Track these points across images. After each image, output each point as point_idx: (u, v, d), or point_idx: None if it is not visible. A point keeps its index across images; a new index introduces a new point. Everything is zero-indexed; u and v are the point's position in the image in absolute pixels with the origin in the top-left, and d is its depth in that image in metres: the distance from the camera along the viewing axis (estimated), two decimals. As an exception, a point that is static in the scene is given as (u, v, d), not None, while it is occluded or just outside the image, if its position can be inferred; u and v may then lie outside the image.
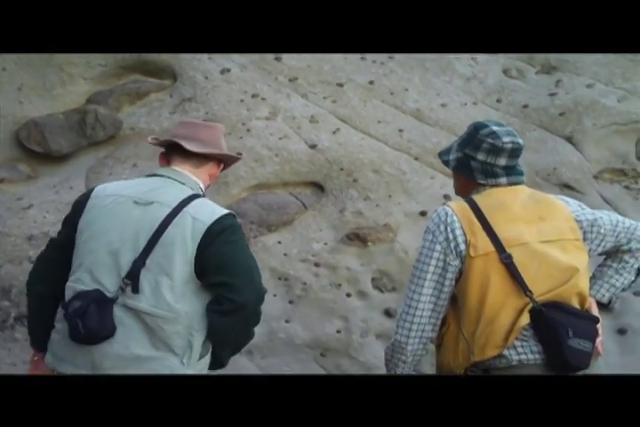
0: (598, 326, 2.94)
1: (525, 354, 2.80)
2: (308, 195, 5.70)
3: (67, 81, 6.36)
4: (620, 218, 3.18)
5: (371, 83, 6.40)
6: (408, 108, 6.29)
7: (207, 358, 2.92)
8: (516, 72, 6.67)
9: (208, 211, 2.91)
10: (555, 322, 2.72)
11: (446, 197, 5.54)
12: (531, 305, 2.76)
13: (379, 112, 6.20)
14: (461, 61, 6.65)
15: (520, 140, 3.02)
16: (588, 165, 6.00)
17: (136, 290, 2.76)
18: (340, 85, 6.35)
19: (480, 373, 2.87)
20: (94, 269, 2.85)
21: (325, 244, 5.36)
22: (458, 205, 2.96)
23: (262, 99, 6.16)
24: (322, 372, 4.98)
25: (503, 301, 2.77)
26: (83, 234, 2.97)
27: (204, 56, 6.43)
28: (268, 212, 5.48)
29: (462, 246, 2.84)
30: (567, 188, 5.81)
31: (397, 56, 6.59)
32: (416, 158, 5.89)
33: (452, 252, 2.85)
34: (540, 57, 6.69)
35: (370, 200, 5.58)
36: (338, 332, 5.02)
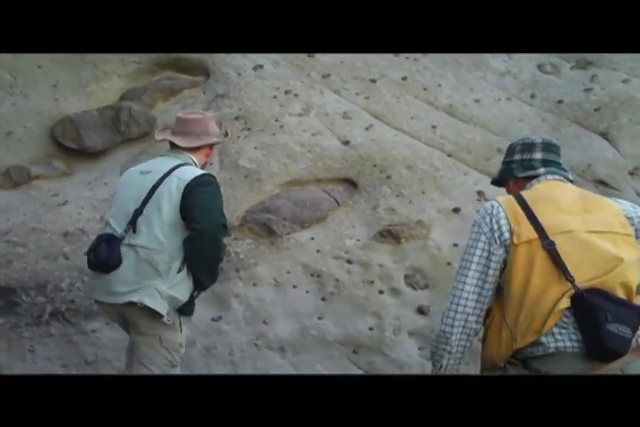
0: None
1: (563, 342, 2.76)
2: (340, 191, 5.69)
3: (101, 78, 6.42)
4: None
5: (404, 79, 6.38)
6: (441, 104, 6.26)
7: (184, 273, 3.73)
8: (551, 67, 6.60)
9: (190, 172, 3.83)
10: (594, 306, 2.69)
11: (480, 193, 5.51)
12: (572, 291, 2.73)
13: (412, 108, 6.18)
14: (495, 57, 6.60)
15: (553, 140, 3.19)
16: (624, 162, 5.92)
17: (134, 230, 3.73)
18: (373, 81, 6.34)
19: (519, 364, 2.87)
20: (112, 222, 3.88)
21: (358, 240, 5.36)
22: (504, 199, 3.01)
23: (295, 95, 6.17)
24: (354, 369, 4.99)
25: (545, 286, 2.77)
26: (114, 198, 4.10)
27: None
28: (300, 208, 5.48)
29: (506, 235, 2.87)
30: (602, 184, 5.74)
31: (430, 51, 6.57)
32: (449, 155, 5.85)
33: (495, 241, 2.88)
34: (575, 52, 6.62)
35: (403, 197, 5.57)
36: (370, 329, 5.02)
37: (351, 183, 5.77)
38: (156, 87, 6.42)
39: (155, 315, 3.68)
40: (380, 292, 5.14)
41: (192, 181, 3.75)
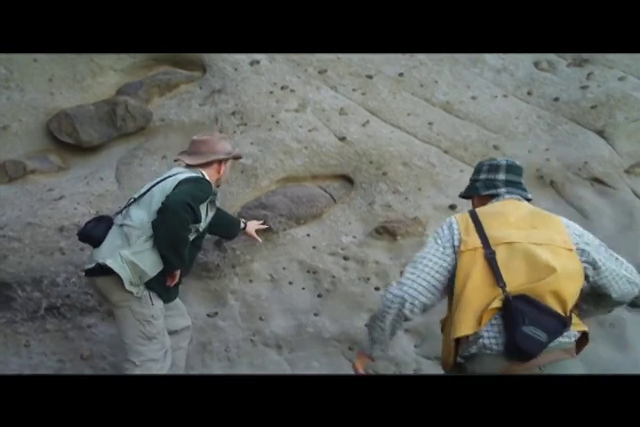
0: (576, 331, 3.14)
1: (483, 343, 3.03)
2: (336, 188, 5.69)
3: (97, 72, 6.40)
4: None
5: (400, 75, 6.37)
6: (438, 100, 6.25)
7: (149, 244, 4.09)
8: (547, 64, 6.60)
9: (187, 175, 4.27)
10: (515, 310, 2.96)
11: (476, 190, 5.51)
12: (503, 295, 3.00)
13: (408, 104, 6.17)
14: (492, 54, 6.58)
15: (517, 162, 3.62)
16: (620, 160, 5.92)
17: (125, 213, 4.28)
18: (370, 77, 6.33)
19: (460, 360, 3.18)
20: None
21: (354, 237, 5.37)
22: (460, 215, 3.39)
23: (291, 91, 6.16)
24: (350, 366, 4.99)
25: (480, 288, 3.05)
26: None
27: (234, 48, 6.44)
28: (297, 204, 5.48)
29: (457, 243, 3.21)
30: (598, 182, 5.75)
31: (427, 48, 6.55)
32: (446, 151, 5.85)
33: (450, 246, 3.22)
34: (572, 49, 6.60)
35: (399, 193, 5.57)
36: (366, 326, 5.03)
37: (347, 180, 5.77)
38: (153, 82, 6.40)
39: (121, 283, 4.04)
40: (377, 288, 5.15)
41: (184, 179, 4.21)
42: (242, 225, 4.97)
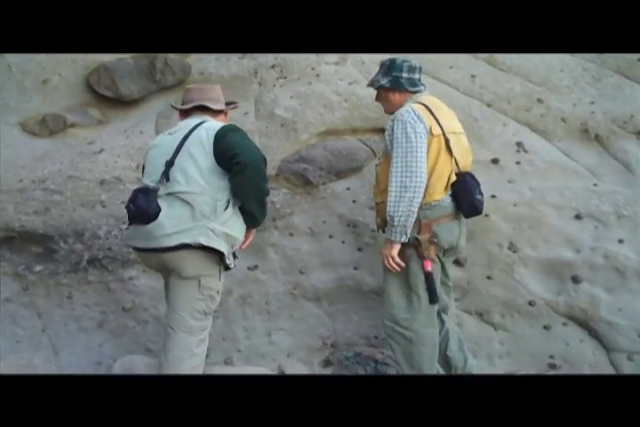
0: None
1: (444, 205, 4.24)
2: (377, 141, 5.60)
3: (136, 25, 6.36)
4: None
5: (442, 27, 6.24)
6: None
7: (231, 210, 3.97)
8: (594, 16, 6.42)
9: (216, 125, 4.11)
10: (470, 183, 4.29)
11: (519, 144, 5.41)
12: (457, 170, 4.29)
13: (450, 57, 6.04)
14: (536, 4, 6.42)
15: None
16: (667, 113, 5.77)
17: (168, 180, 3.93)
18: (411, 29, 6.21)
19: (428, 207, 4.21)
20: (146, 177, 4.16)
21: (395, 191, 5.32)
22: (417, 106, 4.26)
23: (331, 43, 6.07)
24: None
25: (445, 166, 4.20)
26: (145, 163, 4.37)
27: (273, 0, 6.35)
28: (337, 158, 5.43)
29: (428, 129, 4.16)
30: (644, 136, 5.62)
31: (470, -1, 6.40)
32: (488, 105, 5.73)
33: (426, 133, 4.14)
34: (620, 0, 6.40)
35: (440, 147, 5.49)
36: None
37: (388, 133, 5.70)
38: (192, 35, 6.37)
39: (206, 257, 3.93)
40: (417, 242, 5.11)
41: (220, 129, 4.01)
42: None
